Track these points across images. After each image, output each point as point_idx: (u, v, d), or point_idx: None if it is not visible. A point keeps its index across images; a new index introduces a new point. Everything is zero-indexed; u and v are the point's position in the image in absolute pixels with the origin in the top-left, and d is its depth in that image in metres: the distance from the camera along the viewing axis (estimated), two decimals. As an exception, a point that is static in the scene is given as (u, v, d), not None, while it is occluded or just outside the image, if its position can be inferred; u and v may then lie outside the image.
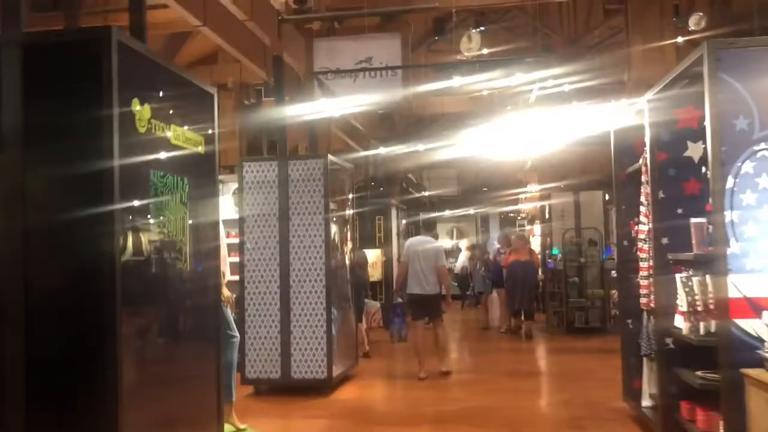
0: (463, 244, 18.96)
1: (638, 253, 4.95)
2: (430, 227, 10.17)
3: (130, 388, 2.93)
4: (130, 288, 3.02)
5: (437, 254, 7.91)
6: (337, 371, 7.26)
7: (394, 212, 14.14)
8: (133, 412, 2.95)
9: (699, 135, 4.52)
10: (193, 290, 4.00)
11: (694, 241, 4.12)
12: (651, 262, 4.76)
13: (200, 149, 4.03)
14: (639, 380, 5.68)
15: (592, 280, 11.54)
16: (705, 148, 4.42)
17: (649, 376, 5.25)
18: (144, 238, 3.47)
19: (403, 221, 15.18)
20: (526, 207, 21.06)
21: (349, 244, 8.55)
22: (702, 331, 3.97)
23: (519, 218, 23.54)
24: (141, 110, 3.25)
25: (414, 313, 8.21)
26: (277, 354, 7.02)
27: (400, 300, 8.99)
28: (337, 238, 8.29)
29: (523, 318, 10.66)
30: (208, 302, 4.18)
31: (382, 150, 12.43)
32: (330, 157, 7.19)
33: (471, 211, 20.83)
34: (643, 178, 4.93)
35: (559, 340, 10.71)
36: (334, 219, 7.97)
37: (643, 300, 4.87)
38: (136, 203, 3.27)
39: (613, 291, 11.59)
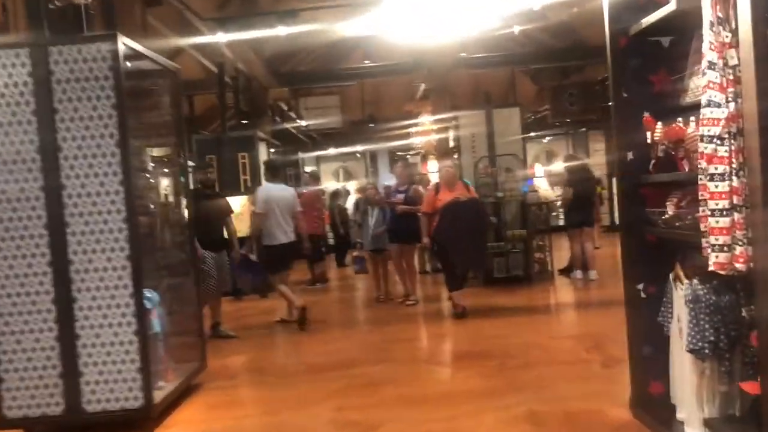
0: (352, 186, 16.37)
1: (704, 163, 2.52)
2: (278, 171, 7.76)
3: None
4: None
5: (295, 200, 7.49)
6: (164, 391, 4.56)
7: (263, 149, 11.30)
8: None
9: None
10: None
11: None
12: (738, 181, 2.37)
13: None
14: (658, 383, 3.43)
15: (511, 219, 9.36)
16: None
17: (700, 384, 2.96)
18: None
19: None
20: (421, 140, 18.77)
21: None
22: None
23: (411, 154, 21.29)
24: None
25: (277, 267, 7.29)
26: (55, 375, 4.20)
27: (252, 256, 7.39)
28: (160, 181, 5.56)
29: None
30: None
31: (227, 37, 8.90)
32: (125, 41, 4.25)
33: (359, 147, 18.19)
34: (711, 16, 2.47)
35: (478, 295, 8.44)
36: (148, 150, 5.20)
37: (718, 257, 2.47)
38: None
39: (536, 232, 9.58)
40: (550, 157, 17.92)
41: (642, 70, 3.41)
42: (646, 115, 3.28)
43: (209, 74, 12.34)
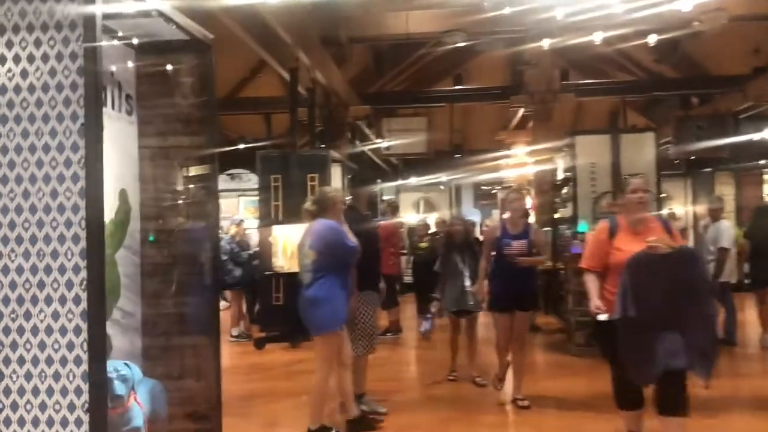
0: (433, 219, 14.62)
1: None
2: None
3: None
4: None
5: None
6: None
7: (337, 172, 9.77)
8: None
9: None
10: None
11: None
12: None
13: None
14: None
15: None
16: None
17: None
18: None
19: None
20: (514, 173, 16.92)
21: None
22: None
23: (500, 189, 19.36)
24: None
25: None
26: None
27: None
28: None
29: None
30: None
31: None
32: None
33: (443, 178, 16.49)
34: None
35: (595, 370, 6.49)
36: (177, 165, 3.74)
37: None
38: None
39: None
40: (663, 199, 15.59)
41: None
42: None
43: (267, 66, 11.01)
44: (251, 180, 14.47)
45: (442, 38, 10.31)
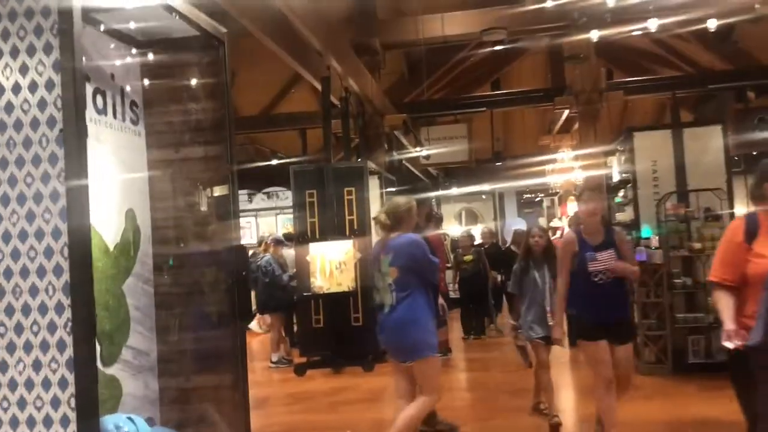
0: (478, 230, 13.96)
1: None
2: None
3: None
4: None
5: None
6: None
7: (375, 184, 9.27)
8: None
9: None
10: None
11: None
12: None
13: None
14: None
15: (713, 281, 6.64)
16: None
17: None
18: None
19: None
20: (559, 179, 16.20)
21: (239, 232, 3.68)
22: None
23: (545, 196, 18.62)
24: None
25: None
26: None
27: None
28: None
29: None
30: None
31: None
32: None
33: (485, 187, 15.84)
34: None
35: (669, 392, 5.85)
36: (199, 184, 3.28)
37: None
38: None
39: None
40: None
41: None
42: None
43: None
44: (288, 198, 14.10)
45: (482, 38, 9.75)
